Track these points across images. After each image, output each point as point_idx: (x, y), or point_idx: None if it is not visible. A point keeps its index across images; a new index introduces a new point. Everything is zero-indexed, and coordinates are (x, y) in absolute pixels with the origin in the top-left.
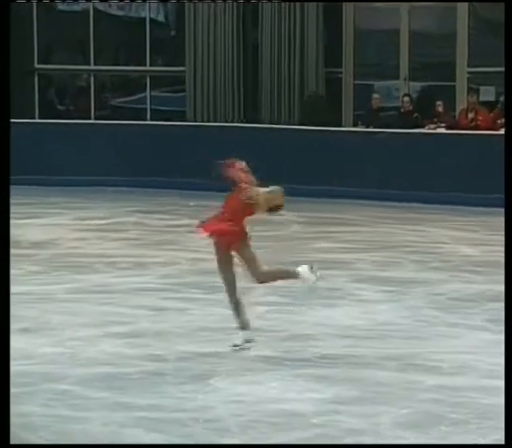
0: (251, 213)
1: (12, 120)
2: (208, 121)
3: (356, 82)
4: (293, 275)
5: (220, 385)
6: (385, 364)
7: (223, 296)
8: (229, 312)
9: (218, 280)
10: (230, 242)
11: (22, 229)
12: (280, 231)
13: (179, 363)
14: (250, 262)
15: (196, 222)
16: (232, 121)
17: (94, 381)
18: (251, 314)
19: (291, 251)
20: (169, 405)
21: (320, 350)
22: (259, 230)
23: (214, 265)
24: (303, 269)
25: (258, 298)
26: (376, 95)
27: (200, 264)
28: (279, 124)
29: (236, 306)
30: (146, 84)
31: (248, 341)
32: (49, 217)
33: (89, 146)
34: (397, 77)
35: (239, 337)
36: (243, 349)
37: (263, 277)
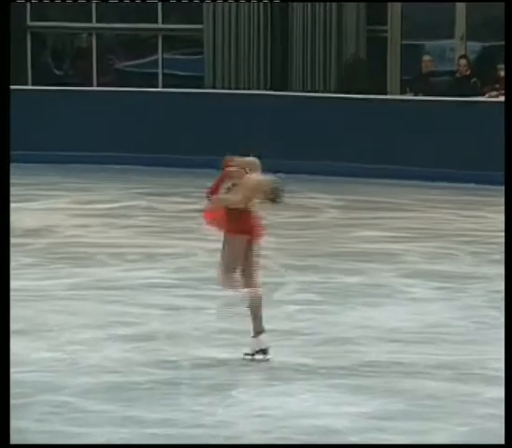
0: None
1: None
2: (230, 89)
3: (404, 42)
4: (258, 327)
5: (242, 396)
6: (437, 373)
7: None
8: None
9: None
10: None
11: (14, 214)
12: (314, 217)
13: (196, 371)
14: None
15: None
16: (257, 88)
17: (97, 392)
18: (280, 314)
19: (328, 241)
20: (184, 420)
21: (360, 356)
22: (289, 216)
23: None
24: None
25: (288, 295)
26: (427, 57)
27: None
28: (313, 92)
29: (255, 311)
30: (157, 45)
31: (262, 351)
32: (45, 201)
33: (91, 117)
34: (452, 36)
35: (252, 344)
36: (256, 360)
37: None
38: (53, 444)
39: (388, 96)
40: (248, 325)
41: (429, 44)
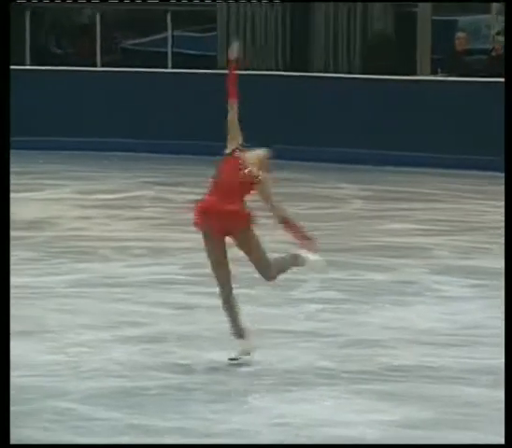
0: (251, 190)
1: None
2: (246, 69)
3: (434, 18)
4: (301, 262)
5: (259, 403)
6: (472, 378)
7: (266, 291)
8: (272, 311)
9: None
10: (227, 227)
11: (12, 206)
12: (338, 208)
13: (209, 375)
14: (255, 255)
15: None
16: (275, 69)
17: (103, 397)
18: (300, 314)
19: (352, 234)
20: (196, 428)
21: (387, 360)
22: (311, 207)
23: None
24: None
25: (309, 293)
26: (460, 34)
27: (235, 251)
28: (336, 73)
29: (231, 311)
30: (166, 21)
31: (245, 353)
32: (46, 191)
33: (94, 99)
34: (488, 11)
35: (236, 348)
36: (241, 364)
37: (272, 273)
38: (53, 444)
39: (417, 77)
40: (267, 326)
41: (462, 20)
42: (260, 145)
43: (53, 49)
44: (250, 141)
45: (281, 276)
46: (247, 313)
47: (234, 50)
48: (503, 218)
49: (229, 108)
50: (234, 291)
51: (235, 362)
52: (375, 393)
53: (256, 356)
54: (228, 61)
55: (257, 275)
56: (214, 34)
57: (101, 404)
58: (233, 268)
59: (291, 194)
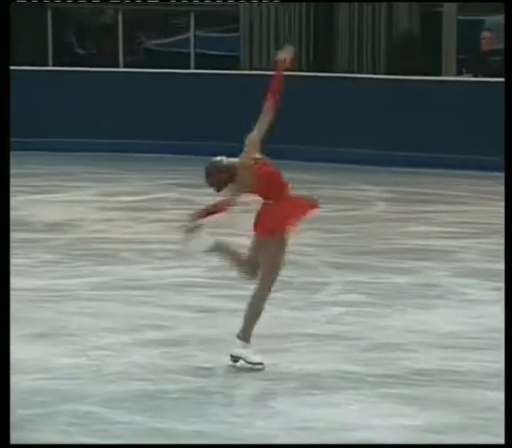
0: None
1: (19, 68)
2: (268, 69)
3: (460, 17)
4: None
5: (282, 407)
6: (496, 382)
7: (289, 294)
8: (294, 314)
9: (282, 273)
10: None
11: (33, 207)
12: (361, 210)
13: (231, 379)
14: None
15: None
16: (298, 69)
17: (124, 401)
18: (323, 317)
19: (376, 237)
20: (218, 432)
21: (411, 364)
22: (334, 209)
23: None
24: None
25: (332, 296)
26: (486, 34)
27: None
28: (360, 73)
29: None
30: (189, 22)
31: (236, 359)
32: (67, 192)
33: (116, 100)
34: None
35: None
36: (262, 367)
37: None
38: (53, 444)
39: (442, 77)
40: (290, 329)
41: (489, 19)
42: (283, 143)
43: (76, 50)
44: (274, 142)
45: (304, 279)
46: (269, 316)
47: (287, 53)
48: None
49: (262, 116)
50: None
51: (236, 365)
52: (399, 397)
53: (278, 359)
54: (276, 62)
55: (282, 278)
56: (237, 34)
57: (122, 407)
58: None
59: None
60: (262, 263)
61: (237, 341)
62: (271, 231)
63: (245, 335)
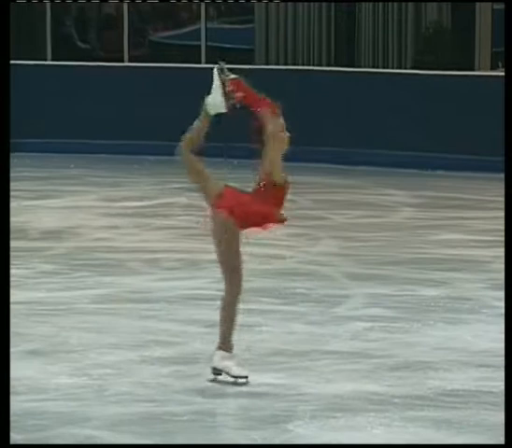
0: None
1: (13, 62)
2: (285, 64)
3: (496, 7)
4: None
5: (301, 430)
6: None
7: (307, 307)
8: (314, 330)
9: (299, 286)
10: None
11: (29, 213)
12: (386, 217)
13: (245, 400)
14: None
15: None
16: (318, 64)
17: (129, 424)
18: (345, 333)
19: (402, 246)
20: None
21: (442, 384)
22: (357, 216)
23: (293, 265)
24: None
25: (354, 310)
26: None
27: (275, 263)
28: (385, 68)
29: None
30: (200, 13)
31: (218, 372)
32: (67, 198)
33: (121, 97)
34: None
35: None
36: (280, 387)
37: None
38: (53, 444)
39: (476, 72)
40: (308, 346)
41: None
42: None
43: (78, 43)
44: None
45: (323, 292)
46: (285, 332)
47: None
48: None
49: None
50: (276, 308)
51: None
52: (428, 420)
53: (297, 379)
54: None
55: (299, 290)
56: (252, 25)
57: (127, 432)
58: (276, 282)
59: (332, 201)
60: (220, 262)
61: (218, 352)
62: (240, 219)
63: (225, 345)
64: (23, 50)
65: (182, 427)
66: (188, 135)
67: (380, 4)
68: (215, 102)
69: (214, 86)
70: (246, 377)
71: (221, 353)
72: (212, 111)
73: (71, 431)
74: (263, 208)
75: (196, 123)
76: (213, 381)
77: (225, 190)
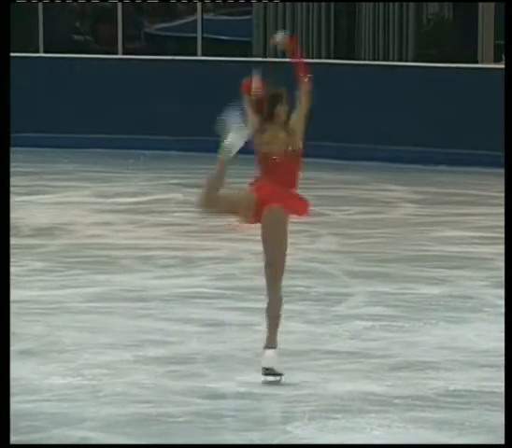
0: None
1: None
2: (284, 56)
3: None
4: None
5: (300, 432)
6: None
7: (306, 306)
8: (313, 329)
9: (298, 284)
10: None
11: (21, 209)
12: (387, 213)
13: (243, 401)
14: None
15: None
16: (318, 57)
17: (125, 425)
18: (345, 332)
19: (403, 243)
20: None
21: (444, 384)
22: (356, 212)
23: (292, 262)
24: None
25: (354, 309)
26: None
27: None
28: (386, 61)
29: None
30: (196, 4)
31: (275, 373)
32: (59, 193)
33: (115, 91)
34: None
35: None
36: (278, 388)
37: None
38: (53, 444)
39: (478, 65)
40: (307, 346)
41: None
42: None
43: (71, 35)
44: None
45: (322, 290)
46: (287, 331)
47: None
48: None
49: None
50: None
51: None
52: (430, 421)
53: (296, 379)
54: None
55: (298, 288)
56: (249, 17)
57: (122, 433)
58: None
59: (332, 197)
60: (269, 250)
61: (266, 351)
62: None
63: (271, 342)
64: (15, 42)
65: (178, 428)
66: (209, 185)
67: None
68: (233, 143)
69: (230, 129)
70: (281, 374)
71: (270, 351)
72: (231, 154)
73: (65, 433)
74: (291, 191)
75: (215, 173)
76: (266, 382)
77: (259, 195)
